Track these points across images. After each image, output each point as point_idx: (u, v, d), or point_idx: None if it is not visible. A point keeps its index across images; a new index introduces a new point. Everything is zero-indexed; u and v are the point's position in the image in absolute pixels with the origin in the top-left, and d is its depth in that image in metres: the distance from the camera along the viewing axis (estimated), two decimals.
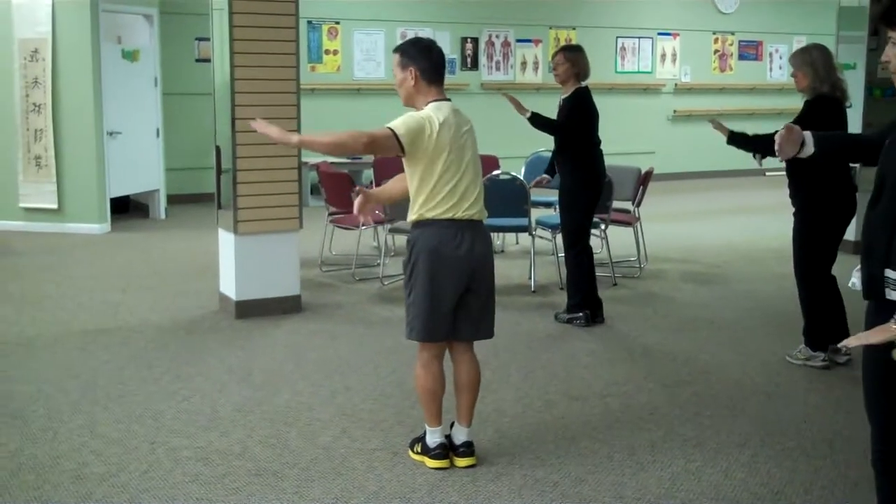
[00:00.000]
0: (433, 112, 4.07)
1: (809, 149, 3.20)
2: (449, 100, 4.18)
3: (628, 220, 8.49)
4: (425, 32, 14.03)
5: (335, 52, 13.65)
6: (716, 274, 8.59)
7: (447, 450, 4.25)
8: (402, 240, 8.64)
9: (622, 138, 15.20)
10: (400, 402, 5.12)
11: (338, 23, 13.61)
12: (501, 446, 4.52)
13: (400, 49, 4.22)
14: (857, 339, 2.83)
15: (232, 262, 6.84)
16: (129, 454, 4.39)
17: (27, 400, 5.11)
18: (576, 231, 6.66)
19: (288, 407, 5.03)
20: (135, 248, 9.76)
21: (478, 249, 4.13)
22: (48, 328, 6.58)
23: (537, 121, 6.61)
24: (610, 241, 8.19)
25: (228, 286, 6.95)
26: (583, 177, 6.63)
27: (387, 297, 7.42)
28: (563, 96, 6.64)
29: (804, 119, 5.29)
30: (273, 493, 4.00)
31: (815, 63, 5.49)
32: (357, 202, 4.24)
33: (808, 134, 3.21)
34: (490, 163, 9.48)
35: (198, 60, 12.65)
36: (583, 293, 6.67)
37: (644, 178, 8.54)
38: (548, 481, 4.14)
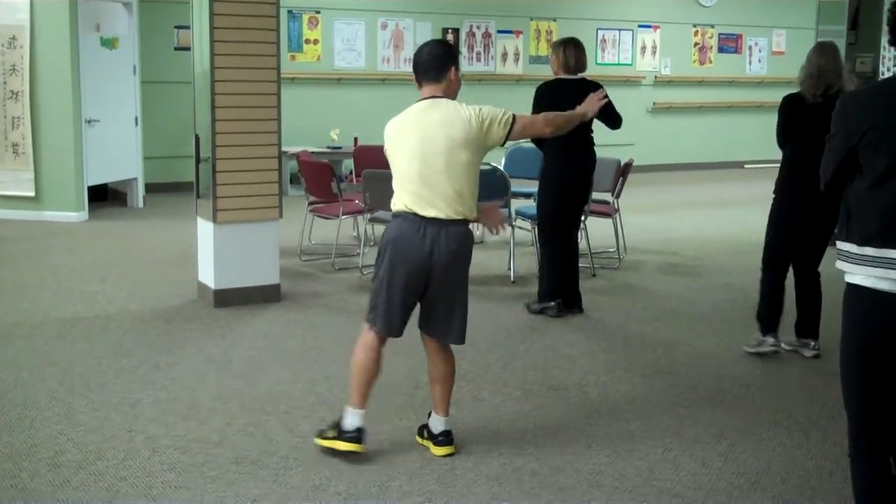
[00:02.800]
0: (404, 112, 4.21)
1: None
2: (438, 97, 4.17)
3: (607, 212, 8.51)
4: (406, 23, 14.05)
5: (315, 42, 13.59)
6: (695, 266, 8.63)
7: (362, 435, 4.21)
8: (381, 230, 8.64)
9: (602, 130, 15.22)
10: (378, 391, 5.06)
11: (318, 12, 13.55)
12: (480, 435, 4.53)
13: None
14: None
15: (211, 251, 6.81)
16: (107, 442, 4.38)
17: (4, 388, 5.08)
18: (546, 221, 6.73)
19: (268, 395, 5.02)
20: (113, 236, 9.71)
21: (440, 248, 4.07)
22: (26, 316, 6.54)
23: None
24: (589, 233, 8.21)
25: (207, 275, 6.92)
26: (548, 168, 6.71)
27: (366, 287, 7.35)
28: None
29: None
30: (252, 482, 4.00)
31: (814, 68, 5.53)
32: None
33: None
34: None
35: (177, 49, 12.57)
36: (555, 283, 6.68)
37: (624, 170, 8.56)
38: (526, 470, 4.16)
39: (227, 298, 6.79)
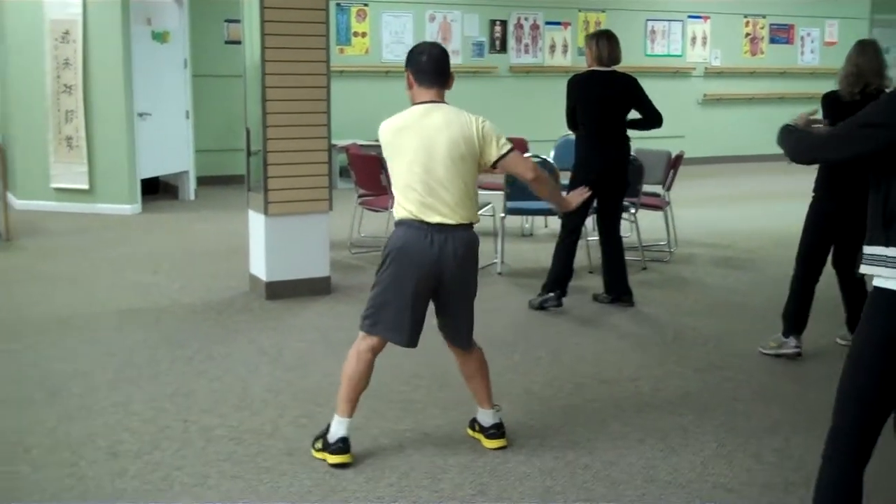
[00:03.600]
0: (399, 115, 4.10)
1: None
2: (439, 102, 4.08)
3: (658, 204, 8.46)
4: (454, 15, 14.04)
5: (364, 35, 13.64)
6: (747, 259, 8.54)
7: (348, 444, 4.11)
8: None
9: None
10: (430, 383, 5.13)
11: (366, 5, 13.59)
12: (532, 428, 4.53)
13: (408, 52, 4.25)
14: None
15: (262, 244, 6.87)
16: (162, 432, 4.43)
17: (62, 378, 5.17)
18: (566, 214, 6.60)
19: (318, 387, 5.05)
20: (165, 229, 9.83)
21: (447, 255, 4.01)
22: (82, 308, 6.64)
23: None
24: (640, 225, 8.16)
25: (259, 267, 6.98)
26: (576, 160, 6.68)
27: None
28: None
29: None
30: (305, 472, 4.03)
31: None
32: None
33: None
34: (518, 145, 9.43)
35: (227, 42, 12.68)
36: (554, 276, 6.66)
37: (674, 162, 8.50)
38: (578, 463, 4.15)
39: (278, 290, 6.84)
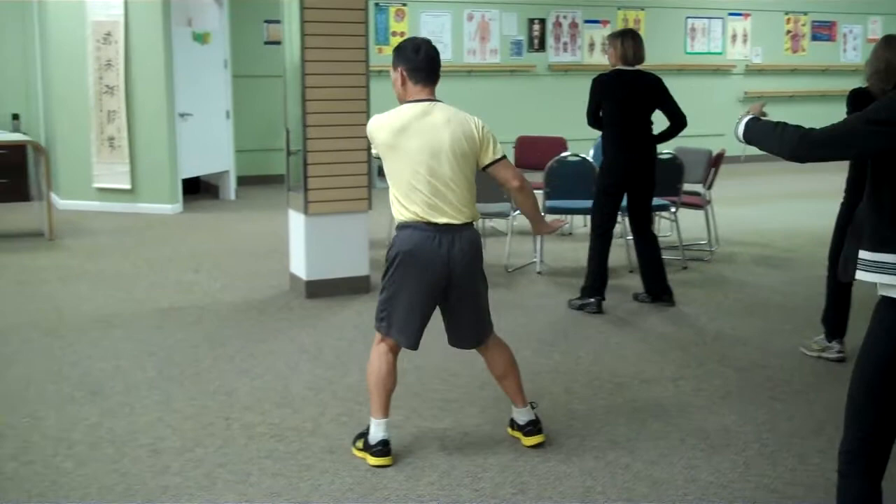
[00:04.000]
0: (388, 115, 4.02)
1: None
2: (435, 100, 4.04)
3: (699, 203, 8.40)
4: (492, 14, 14.04)
5: (402, 34, 13.64)
6: (788, 258, 8.46)
7: (388, 446, 4.10)
8: None
9: (691, 120, 14.97)
10: (469, 381, 5.13)
11: (405, 4, 13.62)
12: (572, 428, 4.51)
13: (394, 49, 4.16)
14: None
15: (302, 243, 6.90)
16: (205, 429, 4.47)
17: (105, 376, 5.22)
18: (598, 216, 6.62)
19: (359, 386, 5.05)
20: (206, 228, 9.90)
21: (456, 254, 3.98)
22: (124, 306, 6.70)
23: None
24: (680, 224, 8.11)
25: (299, 266, 7.02)
26: (606, 161, 6.60)
27: None
28: None
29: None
30: (346, 470, 4.04)
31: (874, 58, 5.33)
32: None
33: None
34: (557, 144, 9.45)
35: (266, 43, 12.76)
36: (592, 278, 6.59)
37: (715, 161, 8.44)
38: (619, 463, 4.13)
39: (317, 289, 6.87)
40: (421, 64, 4.02)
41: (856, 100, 5.28)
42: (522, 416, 4.32)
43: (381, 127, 4.01)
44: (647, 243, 6.74)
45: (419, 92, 4.04)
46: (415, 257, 3.97)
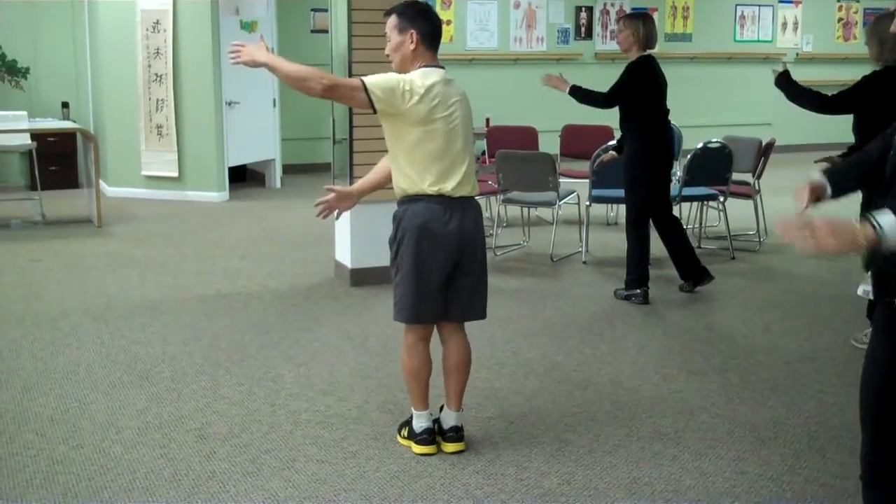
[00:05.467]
0: (417, 76, 3.82)
1: (829, 192, 2.93)
2: (442, 67, 3.94)
3: (748, 193, 8.30)
4: (539, 2, 14.00)
5: (448, 23, 13.58)
6: None
7: (434, 434, 4.08)
8: (515, 210, 8.63)
9: (740, 109, 14.84)
10: (515, 371, 5.12)
11: None
12: (618, 419, 4.48)
13: (396, 11, 3.97)
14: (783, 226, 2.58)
15: (347, 231, 6.91)
16: (251, 416, 4.49)
17: (153, 361, 5.27)
18: (640, 206, 6.47)
19: (402, 374, 5.05)
20: (252, 216, 9.96)
21: (467, 226, 3.91)
22: (171, 292, 6.76)
23: (578, 94, 6.48)
24: (728, 214, 8.01)
25: (344, 254, 7.03)
26: (646, 149, 6.42)
27: (500, 268, 7.42)
28: None
29: (858, 91, 5.16)
30: (391, 458, 4.04)
31: (882, 34, 5.25)
32: (327, 204, 4.28)
33: (823, 179, 2.92)
34: (603, 133, 9.36)
35: (313, 31, 12.78)
36: (640, 270, 6.50)
37: (765, 150, 8.34)
38: (666, 454, 4.09)
39: (362, 277, 6.88)
40: (434, 29, 3.93)
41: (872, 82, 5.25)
42: (451, 419, 4.13)
43: (431, 82, 3.81)
44: (675, 229, 6.63)
45: (429, 57, 3.92)
46: (427, 232, 3.85)
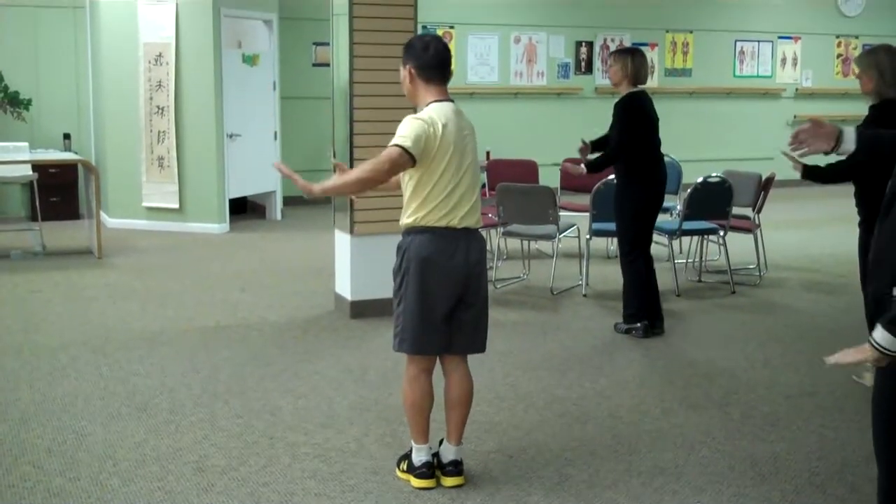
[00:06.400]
0: (435, 114, 3.87)
1: (849, 146, 2.91)
2: (451, 101, 3.97)
3: (748, 227, 8.30)
4: (539, 37, 14.04)
5: None
6: (838, 283, 8.33)
7: (433, 468, 4.06)
8: (515, 243, 8.64)
9: (740, 143, 14.88)
10: (514, 404, 5.10)
11: (452, 27, 13.65)
12: (618, 453, 4.46)
13: (404, 45, 4.04)
14: (833, 358, 2.66)
15: (347, 263, 6.92)
16: (249, 448, 4.47)
17: (151, 393, 5.25)
18: (631, 239, 6.46)
19: (403, 407, 5.04)
20: (252, 248, 9.96)
21: (472, 258, 3.93)
22: (171, 324, 6.75)
23: (595, 166, 6.56)
24: (729, 248, 8.02)
25: (344, 286, 7.03)
26: (638, 181, 6.41)
27: (499, 300, 7.41)
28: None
29: (870, 125, 5.13)
30: (390, 492, 4.02)
31: (881, 66, 5.25)
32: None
33: (849, 130, 2.91)
34: None
35: (314, 65, 12.85)
36: (639, 302, 6.47)
37: (765, 185, 8.36)
38: (666, 490, 4.07)
39: (363, 309, 6.87)
40: (431, 62, 3.93)
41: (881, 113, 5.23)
42: (451, 453, 4.11)
43: (439, 122, 3.83)
44: (650, 266, 6.57)
45: (435, 91, 3.95)
46: (432, 264, 3.88)
